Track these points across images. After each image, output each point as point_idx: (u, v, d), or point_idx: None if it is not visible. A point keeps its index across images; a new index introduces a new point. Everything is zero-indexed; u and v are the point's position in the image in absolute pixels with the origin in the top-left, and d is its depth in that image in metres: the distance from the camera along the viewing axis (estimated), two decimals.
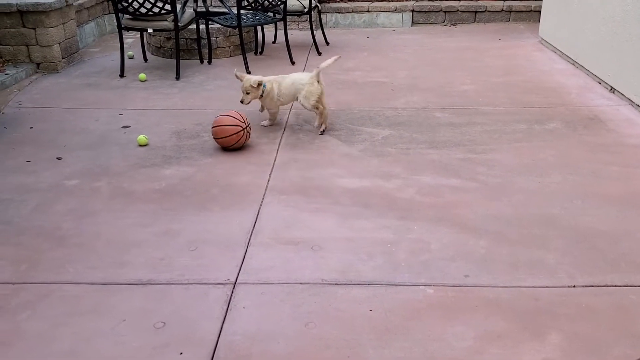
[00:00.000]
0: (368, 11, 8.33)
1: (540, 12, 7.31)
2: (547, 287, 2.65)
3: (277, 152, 4.13)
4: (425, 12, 8.38)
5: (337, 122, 4.69)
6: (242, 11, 5.96)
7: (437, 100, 5.20)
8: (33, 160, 4.02)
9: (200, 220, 3.27)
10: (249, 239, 3.05)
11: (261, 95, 4.42)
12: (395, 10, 8.34)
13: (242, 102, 4.42)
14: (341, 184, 3.66)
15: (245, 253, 2.93)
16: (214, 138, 4.16)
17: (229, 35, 6.70)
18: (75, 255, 2.92)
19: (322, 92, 4.39)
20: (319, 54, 6.75)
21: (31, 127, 4.61)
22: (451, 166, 3.91)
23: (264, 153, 4.14)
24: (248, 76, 4.40)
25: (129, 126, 4.65)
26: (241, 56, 6.55)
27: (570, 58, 6.19)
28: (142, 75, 5.86)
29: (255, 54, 6.84)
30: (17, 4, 5.80)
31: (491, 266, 2.82)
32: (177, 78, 5.89)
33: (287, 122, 4.71)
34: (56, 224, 3.23)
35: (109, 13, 7.84)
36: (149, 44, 6.78)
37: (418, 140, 4.33)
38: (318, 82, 4.38)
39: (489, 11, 8.36)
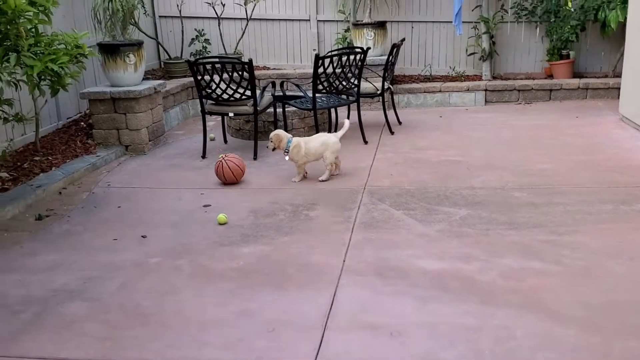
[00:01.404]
0: (440, 91, 8.44)
1: (619, 89, 7.16)
2: None
3: (351, 232, 4.14)
4: (499, 90, 8.39)
5: (412, 201, 4.67)
6: (317, 94, 6.19)
7: (514, 179, 5.10)
8: (120, 239, 4.21)
9: (276, 299, 3.28)
10: (326, 322, 3.01)
11: (287, 151, 5.21)
12: (468, 89, 8.40)
13: (267, 147, 5.40)
14: (419, 265, 3.59)
15: (323, 337, 2.89)
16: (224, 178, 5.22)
17: (304, 117, 6.93)
18: (156, 334, 2.98)
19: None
20: (392, 133, 6.85)
21: (119, 207, 4.86)
22: (533, 248, 3.77)
23: (338, 232, 4.15)
24: (277, 132, 5.31)
25: (210, 205, 4.81)
26: None
27: None
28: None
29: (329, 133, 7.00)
30: (110, 91, 6.28)
31: (582, 356, 2.64)
32: (255, 158, 6.10)
33: (360, 201, 4.74)
34: (139, 301, 3.32)
35: (193, 98, 8.34)
36: (229, 126, 7.11)
37: (497, 220, 4.23)
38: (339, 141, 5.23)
39: (564, 89, 8.27)
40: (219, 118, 7.62)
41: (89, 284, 3.56)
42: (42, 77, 4.41)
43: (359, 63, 6.28)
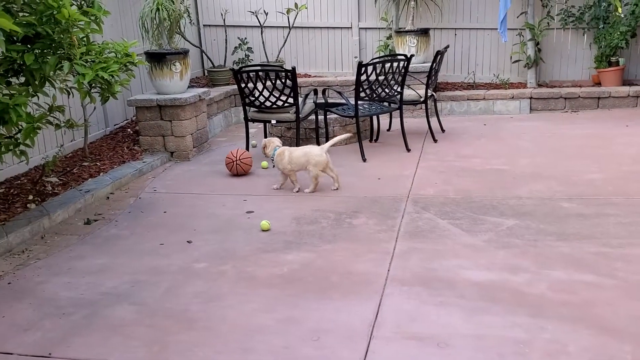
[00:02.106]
0: (484, 99, 8.31)
1: None
2: None
3: (396, 241, 4.09)
4: (544, 98, 8.21)
5: (457, 210, 4.59)
6: (359, 102, 6.17)
7: (563, 189, 4.97)
8: (166, 243, 4.27)
9: (321, 307, 3.26)
10: (372, 332, 2.98)
11: (272, 158, 5.30)
12: (513, 97, 8.25)
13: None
14: (466, 276, 3.53)
15: (368, 347, 2.86)
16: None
17: (345, 124, 6.92)
18: (202, 339, 3.00)
19: (327, 162, 5.17)
20: (435, 141, 6.77)
21: (165, 212, 4.93)
22: (584, 261, 3.66)
23: (382, 241, 4.11)
24: (271, 139, 5.49)
25: (253, 211, 4.84)
26: (356, 143, 6.73)
27: None
28: (264, 163, 6.15)
29: (371, 141, 6.98)
30: (157, 99, 6.40)
31: None
32: None
33: (404, 209, 4.69)
34: (185, 306, 3.35)
35: (235, 106, 8.43)
36: (271, 133, 7.15)
37: (546, 231, 4.12)
38: (326, 154, 5.17)
39: (613, 97, 8.03)
40: (261, 125, 7.68)
41: (136, 287, 3.61)
42: (93, 84, 4.52)
43: (402, 70, 6.24)
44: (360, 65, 5.96)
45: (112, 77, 4.37)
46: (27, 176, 5.57)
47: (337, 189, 5.22)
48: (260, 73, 5.99)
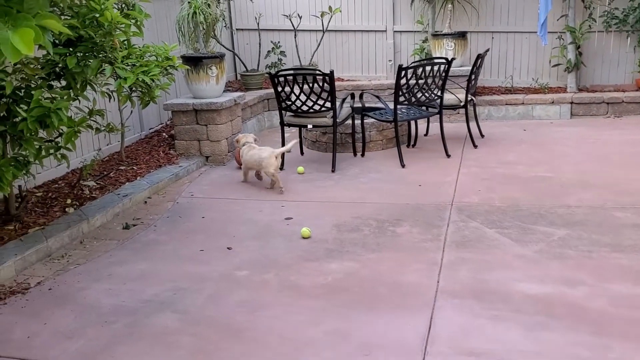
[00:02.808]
0: (523, 103, 8.10)
1: None
2: None
3: (443, 251, 3.95)
4: (586, 103, 7.97)
5: (504, 219, 4.43)
6: (397, 106, 6.04)
7: (614, 198, 4.77)
8: (206, 249, 4.19)
9: (369, 320, 3.14)
10: (425, 348, 2.85)
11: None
12: (553, 102, 8.03)
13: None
14: (520, 288, 3.37)
15: None
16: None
17: (382, 129, 6.79)
18: (250, 351, 2.91)
19: (277, 165, 5.44)
20: (475, 146, 6.60)
21: (203, 217, 4.86)
22: None
23: (429, 250, 3.97)
24: (246, 134, 5.88)
25: (291, 218, 4.74)
26: (393, 148, 6.61)
27: None
28: (301, 169, 6.06)
29: (408, 146, 6.84)
30: (193, 103, 6.36)
31: None
32: (333, 171, 6.00)
33: (449, 218, 4.54)
34: (229, 315, 3.26)
35: (269, 110, 8.37)
36: (305, 138, 7.06)
37: (600, 242, 3.93)
38: (276, 157, 5.42)
39: None
40: (295, 130, 7.60)
41: (178, 295, 3.54)
42: (133, 88, 4.48)
43: (443, 74, 6.09)
44: (400, 68, 5.83)
45: (153, 81, 4.32)
46: (65, 179, 5.56)
47: (271, 188, 5.50)
48: (297, 77, 5.90)
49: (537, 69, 8.71)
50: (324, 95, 5.90)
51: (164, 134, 7.25)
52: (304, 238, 4.30)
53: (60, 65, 4.05)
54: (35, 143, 4.09)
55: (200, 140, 6.51)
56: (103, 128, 4.82)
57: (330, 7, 8.62)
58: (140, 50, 4.47)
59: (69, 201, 5.01)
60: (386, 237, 4.24)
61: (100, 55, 4.12)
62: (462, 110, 6.76)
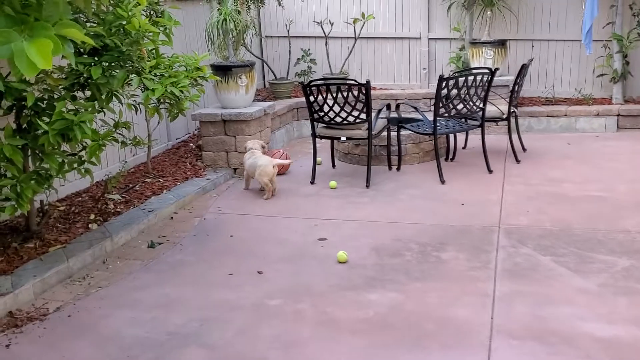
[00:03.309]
0: (565, 115, 7.69)
1: None
2: None
3: (494, 281, 3.61)
4: (634, 116, 7.52)
5: (558, 244, 4.07)
6: (437, 118, 5.71)
7: None
8: (235, 273, 3.91)
9: None
10: None
11: None
12: (598, 114, 7.60)
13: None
14: (586, 329, 3.01)
15: None
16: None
17: (419, 142, 6.45)
18: None
19: (274, 174, 5.44)
20: (518, 161, 6.22)
21: (231, 236, 4.59)
22: None
23: (478, 280, 3.63)
24: (255, 140, 5.83)
25: (326, 238, 4.43)
26: (431, 162, 6.30)
27: None
28: (333, 183, 5.76)
29: (447, 160, 6.49)
30: (221, 113, 6.11)
31: None
32: (368, 186, 5.69)
33: (498, 242, 4.19)
34: (262, 352, 2.97)
35: (298, 120, 8.09)
36: (337, 150, 6.76)
37: None
38: (273, 167, 5.39)
39: None
40: (325, 140, 7.30)
41: (205, 326, 3.25)
42: (161, 100, 4.23)
43: (486, 84, 5.74)
44: (441, 78, 5.50)
45: (182, 92, 4.07)
46: (89, 192, 5.35)
47: (267, 199, 5.43)
48: (330, 87, 5.61)
49: (579, 79, 8.29)
50: (359, 106, 5.60)
51: (191, 144, 7.02)
52: (340, 263, 3.99)
53: (84, 75, 3.81)
54: (57, 157, 3.86)
55: (228, 152, 6.25)
56: (129, 141, 4.58)
57: (363, 14, 8.33)
58: (169, 60, 4.22)
59: (92, 216, 4.78)
60: (430, 263, 3.90)
61: (127, 65, 3.88)
62: (502, 122, 6.38)
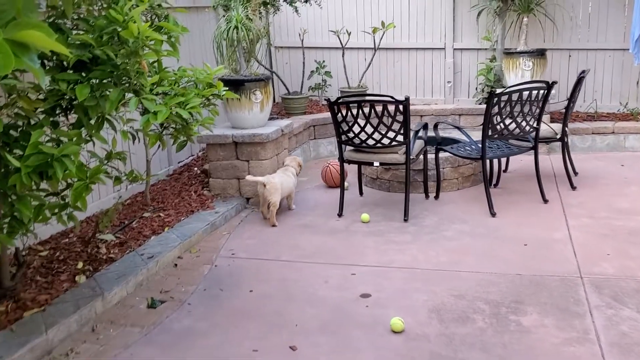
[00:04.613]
0: (613, 132, 6.89)
1: None
2: None
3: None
4: None
5: None
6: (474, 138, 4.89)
7: None
8: (261, 349, 3.05)
9: None
10: None
11: None
12: None
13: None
14: None
15: None
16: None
17: (458, 166, 5.63)
18: None
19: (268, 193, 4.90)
20: (573, 187, 5.40)
21: (251, 291, 3.73)
22: None
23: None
24: (295, 158, 5.46)
25: (369, 295, 3.59)
26: (471, 188, 5.60)
27: None
28: (365, 216, 4.92)
29: (489, 186, 5.65)
30: (232, 135, 5.28)
31: None
32: (406, 220, 4.86)
33: (587, 300, 3.34)
34: None
35: (315, 138, 7.27)
36: (364, 174, 5.92)
37: None
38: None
39: None
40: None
41: None
42: (165, 124, 3.40)
43: (541, 101, 4.92)
44: (492, 94, 4.68)
45: (192, 115, 3.23)
46: (78, 231, 4.50)
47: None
48: (363, 104, 4.79)
49: (622, 92, 7.52)
50: (396, 126, 4.78)
51: (196, 168, 6.18)
52: (394, 332, 3.14)
53: (68, 96, 2.98)
54: (33, 201, 3.02)
55: (240, 179, 5.41)
56: (124, 177, 3.72)
57: (382, 23, 7.54)
58: (175, 74, 3.39)
59: (80, 265, 3.94)
60: (511, 333, 3.06)
61: (123, 83, 3.04)
62: (561, 144, 5.54)
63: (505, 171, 6.09)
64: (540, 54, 6.93)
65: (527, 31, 7.10)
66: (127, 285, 3.75)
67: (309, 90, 8.03)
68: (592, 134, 6.95)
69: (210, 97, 3.42)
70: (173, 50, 3.37)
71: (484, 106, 7.29)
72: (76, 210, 3.16)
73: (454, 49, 7.95)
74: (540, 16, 7.33)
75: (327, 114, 7.30)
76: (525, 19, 7.09)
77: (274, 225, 4.86)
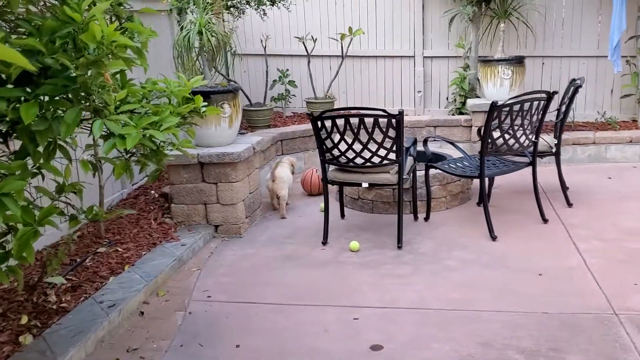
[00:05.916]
0: (594, 143, 6.64)
1: None
2: None
3: None
4: None
5: None
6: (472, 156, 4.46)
7: None
8: None
9: None
10: None
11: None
12: (631, 141, 6.59)
13: None
14: None
15: None
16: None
17: (446, 183, 5.19)
18: None
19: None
20: (569, 204, 5.05)
21: (237, 346, 3.11)
22: None
23: None
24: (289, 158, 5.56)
25: (381, 347, 3.04)
26: (459, 207, 5.17)
27: None
28: (355, 244, 4.39)
29: (479, 204, 5.25)
30: (198, 154, 4.64)
31: None
32: (400, 247, 4.36)
33: (633, 343, 2.91)
34: None
35: (282, 154, 6.67)
36: (346, 195, 5.39)
37: None
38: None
39: None
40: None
41: None
42: (134, 150, 2.76)
43: (541, 112, 4.54)
44: (493, 107, 4.25)
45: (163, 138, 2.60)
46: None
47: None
48: (350, 119, 4.26)
49: (596, 100, 7.34)
50: (387, 142, 4.27)
51: (153, 191, 5.49)
52: None
53: (9, 118, 2.30)
54: None
55: (207, 204, 4.77)
56: (82, 214, 3.03)
57: (350, 29, 7.06)
58: (143, 88, 2.75)
59: (24, 320, 3.21)
60: None
61: (80, 100, 2.38)
62: (555, 157, 5.18)
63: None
64: (518, 61, 6.62)
65: (503, 38, 6.78)
66: (85, 344, 3.06)
67: (271, 100, 7.46)
68: (573, 144, 6.68)
69: (187, 115, 2.80)
70: (139, 57, 2.73)
71: (459, 117, 6.96)
72: (21, 262, 2.47)
73: (424, 56, 7.58)
74: (515, 22, 7.05)
75: (295, 127, 6.75)
76: (502, 25, 6.78)
77: (283, 217, 5.08)
